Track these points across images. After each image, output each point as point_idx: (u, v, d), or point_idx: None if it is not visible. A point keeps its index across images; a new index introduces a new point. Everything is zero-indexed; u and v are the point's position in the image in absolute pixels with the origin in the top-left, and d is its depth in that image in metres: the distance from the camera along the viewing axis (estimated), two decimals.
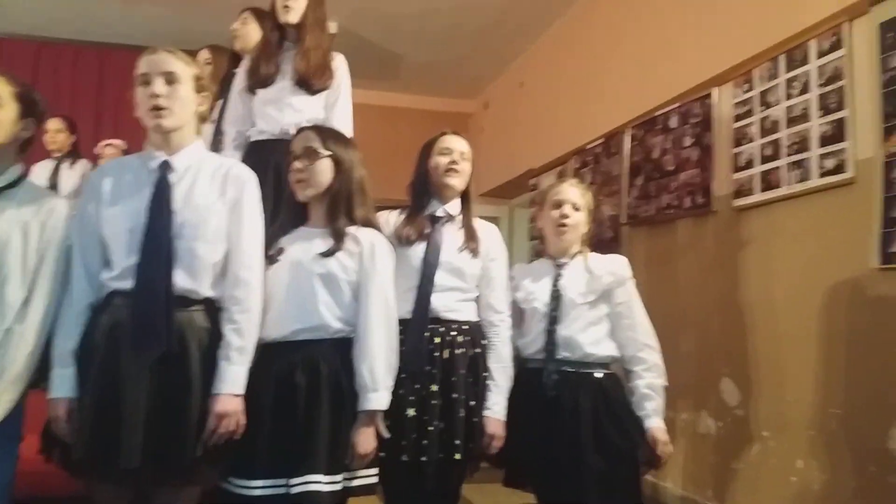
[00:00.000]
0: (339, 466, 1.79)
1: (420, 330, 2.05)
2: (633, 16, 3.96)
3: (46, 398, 1.72)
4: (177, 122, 1.82)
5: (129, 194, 1.80)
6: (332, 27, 4.80)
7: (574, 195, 2.28)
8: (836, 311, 2.45)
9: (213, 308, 1.82)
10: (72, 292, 1.77)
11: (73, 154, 4.26)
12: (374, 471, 1.88)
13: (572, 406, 2.10)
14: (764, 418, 2.75)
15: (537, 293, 2.24)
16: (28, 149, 1.91)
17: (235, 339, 1.78)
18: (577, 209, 2.26)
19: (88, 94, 5.11)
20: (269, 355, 1.85)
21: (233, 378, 1.76)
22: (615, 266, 2.26)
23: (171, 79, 1.79)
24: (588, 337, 2.18)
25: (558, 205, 2.28)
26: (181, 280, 1.76)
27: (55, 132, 4.22)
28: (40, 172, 4.11)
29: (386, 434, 1.88)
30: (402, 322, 2.02)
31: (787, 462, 2.60)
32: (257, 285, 1.85)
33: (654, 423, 2.14)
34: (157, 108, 1.78)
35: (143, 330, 1.69)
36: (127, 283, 1.73)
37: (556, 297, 2.21)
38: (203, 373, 1.74)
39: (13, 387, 1.71)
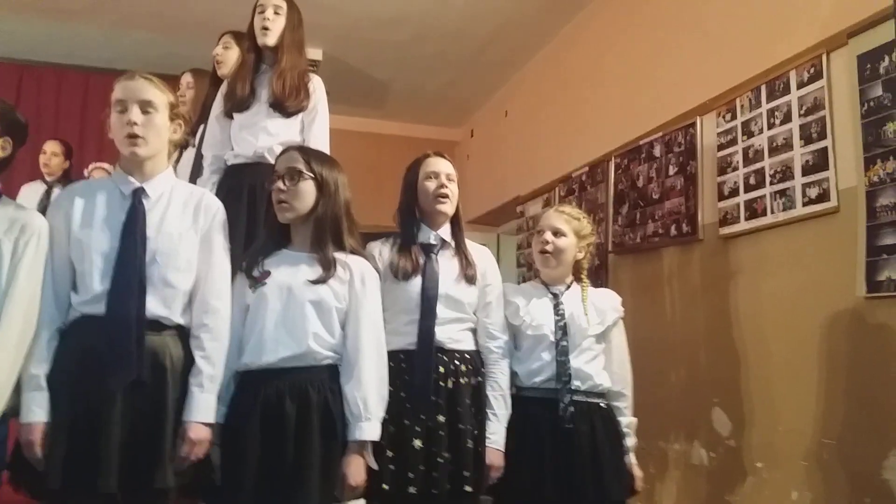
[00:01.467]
0: (329, 497, 1.76)
1: (427, 365, 2.02)
2: (617, 46, 4.00)
3: (19, 422, 1.68)
4: (151, 151, 1.83)
5: (101, 218, 1.79)
6: (318, 54, 4.83)
7: (557, 221, 2.28)
8: (826, 339, 2.45)
9: (183, 334, 1.82)
10: (43, 315, 1.74)
11: (65, 179, 4.21)
12: (362, 502, 1.85)
13: (589, 436, 2.13)
14: (757, 449, 2.72)
15: (542, 320, 2.22)
16: (5, 169, 1.88)
17: (207, 367, 1.77)
18: (560, 235, 2.26)
19: (72, 117, 5.07)
20: (255, 382, 1.82)
21: (205, 406, 1.75)
22: (615, 302, 2.33)
23: (147, 107, 1.80)
24: (594, 367, 2.21)
25: (540, 231, 2.29)
26: (154, 307, 1.75)
27: (51, 155, 4.20)
28: (30, 195, 4.07)
29: (374, 465, 1.85)
30: (403, 353, 2.02)
31: (781, 493, 2.57)
32: (227, 314, 1.86)
33: (632, 460, 2.24)
34: (133, 137, 1.78)
35: (115, 356, 1.68)
36: (98, 308, 1.72)
37: (562, 326, 2.20)
38: (176, 399, 1.73)
39: None
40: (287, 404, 1.77)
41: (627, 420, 2.25)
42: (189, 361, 1.79)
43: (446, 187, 2.14)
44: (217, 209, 1.92)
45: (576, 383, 2.16)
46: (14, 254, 1.74)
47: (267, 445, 1.75)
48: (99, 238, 1.76)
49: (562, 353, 2.17)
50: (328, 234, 1.92)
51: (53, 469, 1.62)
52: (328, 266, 1.88)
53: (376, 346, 1.90)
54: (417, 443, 1.95)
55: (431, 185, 2.14)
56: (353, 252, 1.96)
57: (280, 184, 1.92)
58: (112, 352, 1.68)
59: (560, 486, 2.07)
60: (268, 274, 1.89)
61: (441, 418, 2.00)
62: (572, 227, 2.27)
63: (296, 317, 1.84)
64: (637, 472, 2.24)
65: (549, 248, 2.26)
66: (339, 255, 1.92)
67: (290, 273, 1.89)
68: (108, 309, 1.71)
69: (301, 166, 1.93)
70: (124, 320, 1.70)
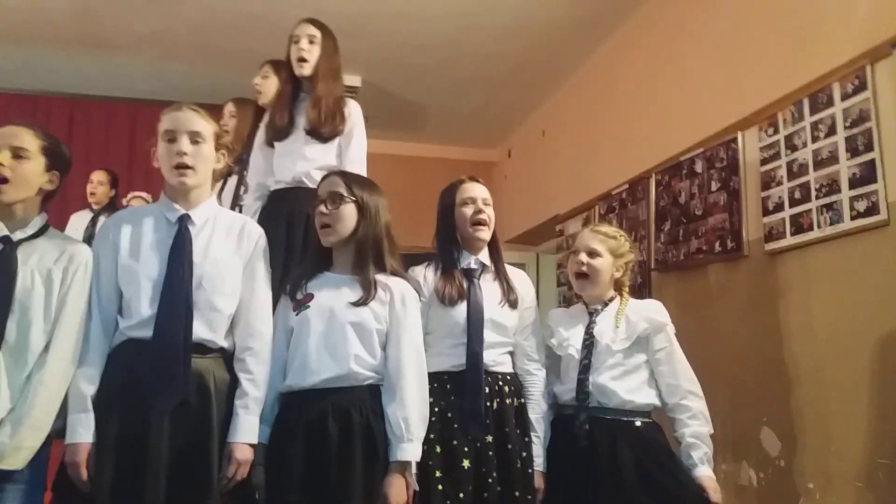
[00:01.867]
0: None
1: (478, 389, 2.04)
2: (655, 62, 3.98)
3: (64, 444, 1.72)
4: (199, 180, 1.89)
5: (149, 245, 1.84)
6: (356, 80, 4.91)
7: (592, 241, 2.26)
8: (878, 355, 2.37)
9: (226, 357, 1.86)
10: (89, 339, 1.79)
11: (111, 207, 4.36)
12: None
13: (609, 455, 2.05)
14: (808, 469, 2.64)
15: (571, 340, 2.21)
16: (51, 201, 1.96)
17: (253, 390, 1.81)
18: (594, 255, 2.24)
19: (121, 148, 5.24)
20: (298, 403, 1.85)
21: (250, 427, 1.79)
22: (651, 312, 2.23)
23: (196, 138, 1.86)
24: (624, 385, 2.13)
25: (575, 252, 2.28)
26: (200, 331, 1.80)
27: (97, 184, 4.35)
28: (77, 223, 4.22)
29: (416, 486, 1.85)
30: (447, 374, 2.04)
31: None
32: (269, 337, 1.90)
33: (703, 472, 2.08)
34: (183, 167, 1.83)
35: (162, 379, 1.72)
36: (146, 332, 1.76)
37: (588, 344, 2.18)
38: (220, 420, 1.77)
39: (34, 434, 1.71)
40: (330, 424, 1.79)
41: (692, 430, 2.11)
42: (233, 384, 1.82)
43: (483, 212, 2.17)
44: (259, 236, 1.97)
45: (600, 400, 2.12)
46: (63, 282, 1.81)
47: (310, 465, 1.77)
48: (147, 263, 1.81)
49: (583, 371, 2.15)
50: (369, 256, 1.95)
51: (100, 491, 1.66)
52: (368, 288, 1.91)
53: (417, 367, 1.92)
54: (466, 463, 1.96)
55: (468, 210, 2.18)
56: (393, 273, 1.98)
57: (322, 208, 1.96)
58: (159, 374, 1.72)
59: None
60: (311, 297, 1.93)
61: (489, 439, 2.01)
62: (608, 247, 2.26)
63: (337, 339, 1.87)
64: (711, 484, 2.06)
65: (584, 269, 2.24)
66: (379, 277, 1.94)
67: (331, 295, 1.92)
68: (155, 332, 1.75)
69: (342, 190, 1.97)
70: (172, 343, 1.74)
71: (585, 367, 2.15)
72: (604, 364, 2.15)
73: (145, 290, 1.79)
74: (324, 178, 2.07)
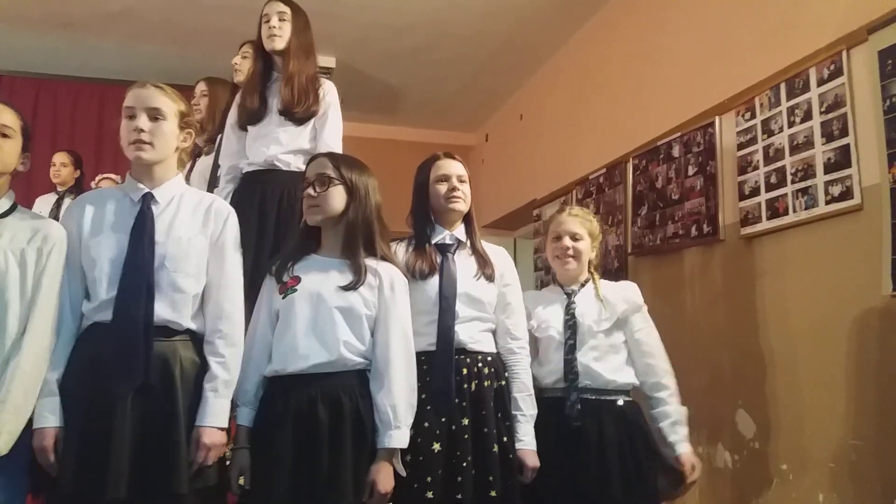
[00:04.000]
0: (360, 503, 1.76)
1: (447, 366, 2.00)
2: (632, 47, 3.97)
3: (32, 429, 1.69)
4: (157, 157, 1.83)
5: (111, 225, 1.80)
6: (331, 61, 4.85)
7: (573, 225, 2.28)
8: (852, 338, 2.41)
9: (195, 339, 1.82)
10: (59, 322, 1.76)
11: (77, 189, 4.28)
12: None
13: (597, 435, 2.09)
14: (783, 451, 2.68)
15: (551, 321, 2.22)
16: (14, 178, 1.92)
17: (222, 373, 1.78)
18: (577, 239, 2.26)
19: (89, 130, 5.12)
20: (286, 388, 1.82)
21: (220, 411, 1.76)
22: (628, 293, 2.27)
23: (155, 115, 1.82)
24: (607, 365, 2.17)
25: (557, 237, 2.28)
26: (163, 311, 1.76)
27: (60, 166, 4.26)
28: (42, 206, 4.15)
29: (403, 472, 1.84)
30: (424, 355, 1.99)
31: (808, 497, 2.53)
32: (240, 318, 1.86)
33: (687, 449, 2.14)
34: (139, 142, 1.79)
35: (122, 362, 1.69)
36: (107, 315, 1.73)
37: (571, 325, 2.19)
38: (188, 403, 1.74)
39: (14, 418, 1.67)
40: (320, 410, 1.77)
41: (674, 407, 2.18)
42: (203, 367, 1.79)
43: (458, 189, 2.13)
44: (228, 214, 1.92)
45: (585, 382, 2.14)
46: (38, 263, 1.76)
47: (301, 450, 1.75)
48: (108, 244, 1.78)
49: (569, 352, 2.17)
50: (360, 238, 1.92)
51: (65, 474, 1.64)
52: (359, 272, 1.88)
53: (405, 354, 1.89)
54: (437, 446, 1.92)
55: (442, 188, 2.14)
56: (383, 258, 1.95)
57: (311, 190, 1.93)
58: (119, 357, 1.69)
59: (578, 487, 2.05)
60: (298, 280, 1.89)
61: (465, 422, 1.97)
62: (587, 229, 2.29)
63: (326, 324, 1.84)
64: (696, 460, 2.14)
65: (570, 252, 2.25)
66: (369, 262, 1.91)
67: (320, 279, 1.89)
68: (115, 314, 1.72)
69: (331, 172, 1.93)
70: (131, 325, 1.71)
71: (571, 348, 2.16)
72: (586, 345, 2.17)
73: (106, 271, 1.75)
74: (311, 159, 2.02)
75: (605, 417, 2.11)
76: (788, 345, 2.69)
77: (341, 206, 1.92)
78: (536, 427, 2.11)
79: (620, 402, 2.16)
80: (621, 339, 2.22)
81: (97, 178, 4.22)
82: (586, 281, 2.30)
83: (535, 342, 2.26)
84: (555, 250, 2.29)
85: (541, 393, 2.20)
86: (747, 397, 2.87)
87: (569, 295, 2.27)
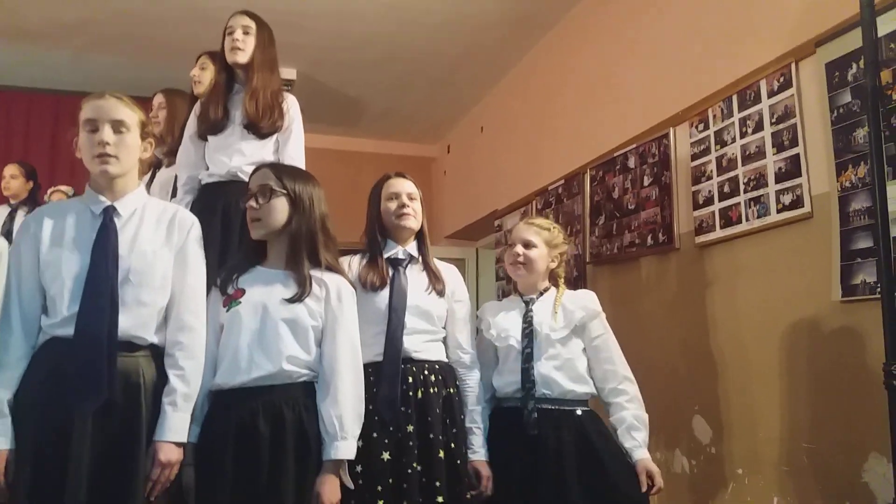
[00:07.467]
0: None
1: (394, 375, 2.01)
2: (588, 60, 4.04)
3: None
4: (122, 170, 1.80)
5: (71, 239, 1.75)
6: (292, 73, 4.83)
7: (526, 233, 2.31)
8: (803, 344, 2.46)
9: (157, 353, 1.78)
10: (8, 339, 1.69)
11: (32, 201, 4.18)
12: None
13: (555, 445, 2.08)
14: (737, 455, 2.73)
15: (510, 330, 2.23)
16: None
17: (181, 386, 1.73)
18: (530, 246, 2.28)
19: (43, 140, 5.01)
20: (228, 402, 1.79)
21: (178, 426, 1.71)
22: (586, 301, 2.28)
23: (119, 127, 1.77)
24: (566, 374, 2.17)
25: (512, 244, 2.32)
26: (127, 327, 1.71)
27: (10, 178, 4.15)
28: None
29: (350, 484, 1.82)
30: (370, 366, 2.00)
31: (762, 499, 2.57)
32: (202, 331, 1.82)
33: (644, 455, 2.12)
34: (104, 156, 1.75)
35: (85, 378, 1.64)
36: (69, 330, 1.67)
37: (528, 333, 2.20)
38: (150, 421, 1.69)
39: None
40: (261, 424, 1.74)
41: (632, 412, 2.15)
42: (163, 382, 1.75)
43: (408, 206, 2.17)
44: (192, 224, 1.89)
45: (543, 391, 2.14)
46: None
47: (241, 466, 1.72)
48: (69, 259, 1.72)
49: (526, 360, 2.17)
50: (303, 249, 1.90)
51: (17, 498, 1.59)
52: (303, 283, 1.86)
53: (353, 365, 1.88)
54: (386, 455, 1.94)
55: (392, 205, 2.19)
56: (329, 268, 1.94)
57: (252, 202, 1.91)
58: (82, 373, 1.64)
59: (535, 497, 2.04)
60: (242, 292, 1.87)
61: (410, 428, 1.99)
62: (542, 238, 2.30)
63: (270, 336, 1.81)
64: (653, 467, 2.10)
65: (520, 259, 2.28)
66: (314, 273, 1.90)
67: (264, 291, 1.87)
68: (77, 330, 1.66)
69: (273, 183, 1.91)
70: (95, 341, 1.66)
71: (528, 356, 2.17)
72: (545, 354, 2.18)
73: (68, 286, 1.70)
74: (254, 170, 2.00)
75: (563, 427, 2.10)
76: (742, 350, 2.74)
77: (284, 218, 1.90)
78: (496, 436, 2.13)
79: (579, 412, 2.15)
80: (580, 347, 2.22)
81: (49, 191, 4.13)
82: (546, 290, 2.32)
83: (495, 351, 2.27)
84: (508, 257, 2.33)
85: (500, 402, 2.21)
86: (703, 403, 2.92)
87: (527, 303, 2.28)
